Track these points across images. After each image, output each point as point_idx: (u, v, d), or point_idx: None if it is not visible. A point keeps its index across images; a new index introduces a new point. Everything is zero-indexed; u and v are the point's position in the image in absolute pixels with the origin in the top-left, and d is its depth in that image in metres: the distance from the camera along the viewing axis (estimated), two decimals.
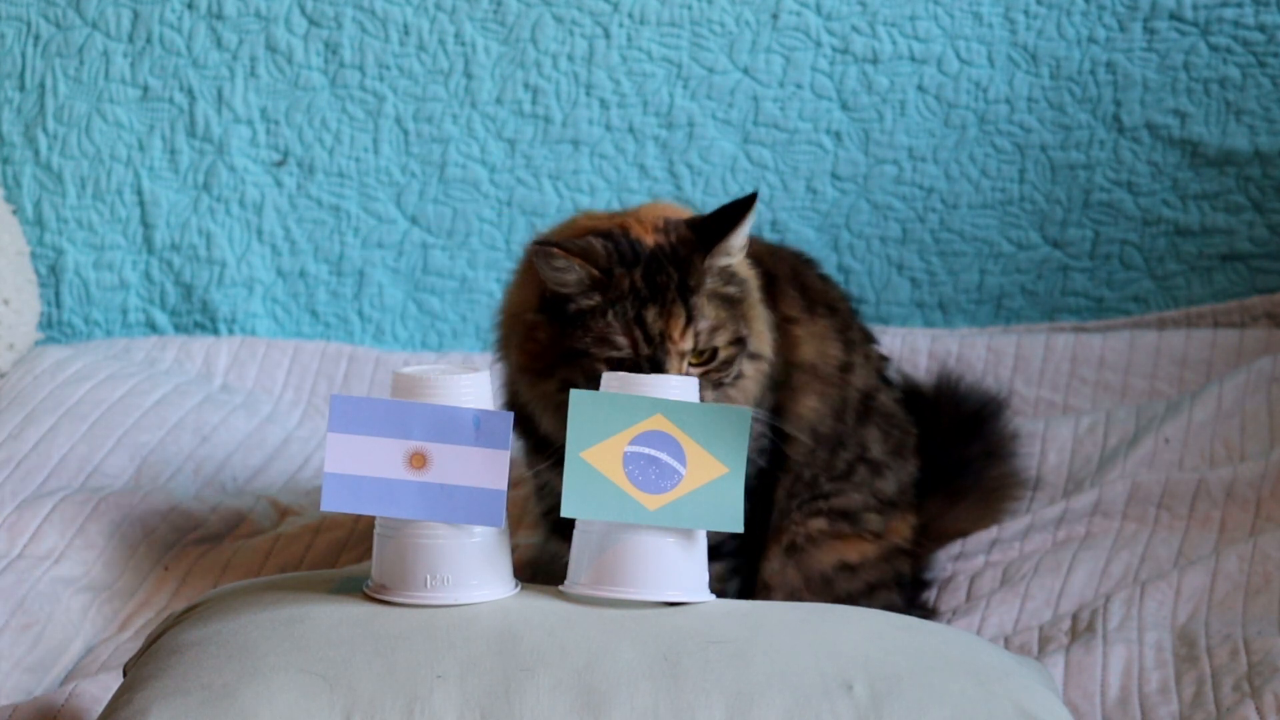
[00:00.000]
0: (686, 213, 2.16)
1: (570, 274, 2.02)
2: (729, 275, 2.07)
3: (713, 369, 2.04)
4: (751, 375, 2.10)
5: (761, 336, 2.10)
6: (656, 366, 2.00)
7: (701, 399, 1.97)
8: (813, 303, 2.26)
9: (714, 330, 2.03)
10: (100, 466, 2.59)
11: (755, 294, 2.11)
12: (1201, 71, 2.96)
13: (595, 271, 2.02)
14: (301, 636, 1.71)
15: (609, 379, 1.81)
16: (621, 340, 2.01)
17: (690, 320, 2.02)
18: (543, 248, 2.01)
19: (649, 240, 2.05)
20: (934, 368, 2.94)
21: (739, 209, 2.04)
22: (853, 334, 2.29)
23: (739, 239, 2.05)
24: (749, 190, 2.99)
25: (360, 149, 3.00)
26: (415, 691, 1.66)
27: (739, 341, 2.06)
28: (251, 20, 2.96)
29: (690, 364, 2.02)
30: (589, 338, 2.02)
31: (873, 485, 2.26)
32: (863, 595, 2.24)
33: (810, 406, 2.21)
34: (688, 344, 2.02)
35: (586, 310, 2.03)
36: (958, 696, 1.69)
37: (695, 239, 2.05)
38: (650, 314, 2.01)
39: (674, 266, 2.03)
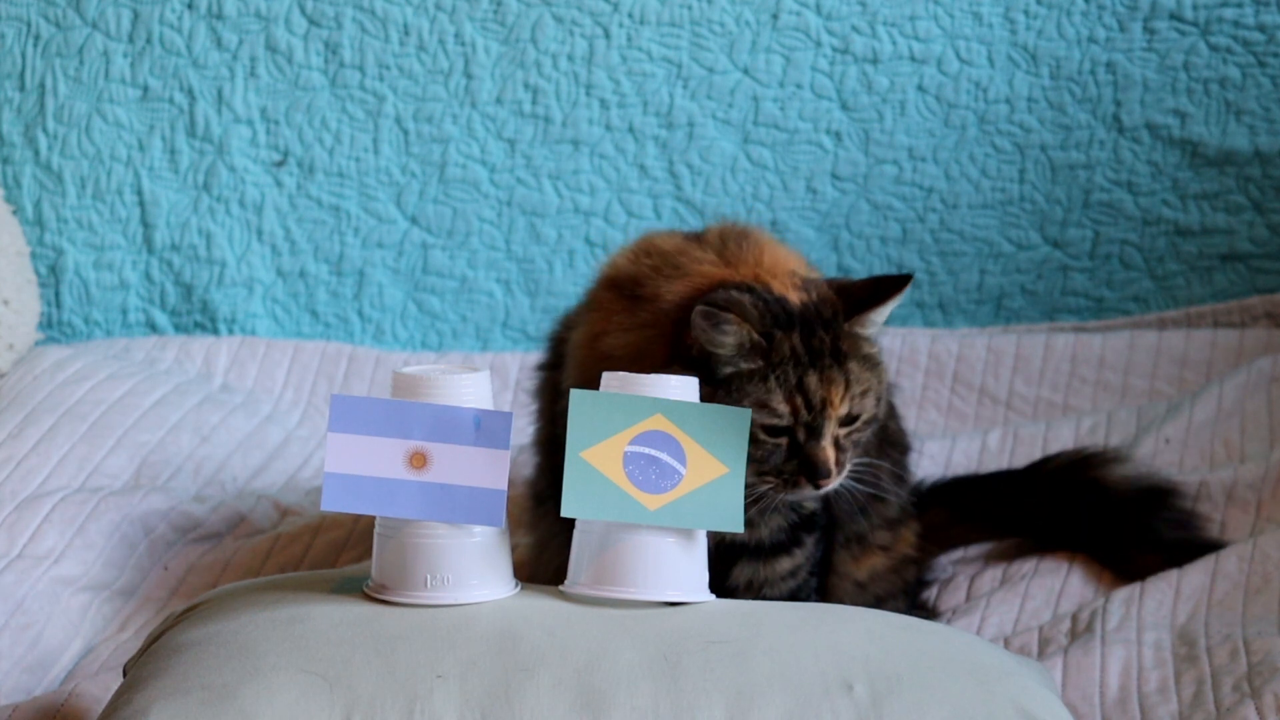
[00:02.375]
0: (774, 244, 2.13)
1: (731, 336, 1.96)
2: (873, 335, 2.04)
3: (854, 430, 2.02)
4: (868, 436, 2.08)
5: (883, 401, 2.09)
6: (814, 434, 1.97)
7: (844, 462, 2.00)
8: None
9: (864, 394, 2.00)
10: (100, 466, 2.59)
11: (882, 359, 2.09)
12: (1201, 71, 2.96)
13: (757, 336, 1.96)
14: (301, 636, 1.71)
15: (609, 379, 1.80)
16: (783, 408, 1.97)
17: (848, 387, 1.99)
18: (711, 311, 1.93)
19: (794, 298, 2.00)
20: (934, 368, 2.94)
21: (893, 284, 2.00)
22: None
23: (883, 314, 2.01)
24: (749, 190, 3.00)
25: (360, 149, 3.00)
26: (415, 691, 1.66)
27: (879, 403, 2.04)
28: (251, 20, 2.96)
29: (840, 426, 2.00)
30: (744, 400, 1.97)
31: (881, 512, 2.26)
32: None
33: None
34: (845, 410, 1.99)
35: (745, 374, 1.98)
36: (958, 696, 1.69)
37: (840, 301, 2.01)
38: (812, 381, 1.97)
39: (824, 330, 1.99)
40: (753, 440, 1.93)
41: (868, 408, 2.02)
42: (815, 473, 1.98)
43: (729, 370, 1.98)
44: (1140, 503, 2.44)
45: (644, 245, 2.14)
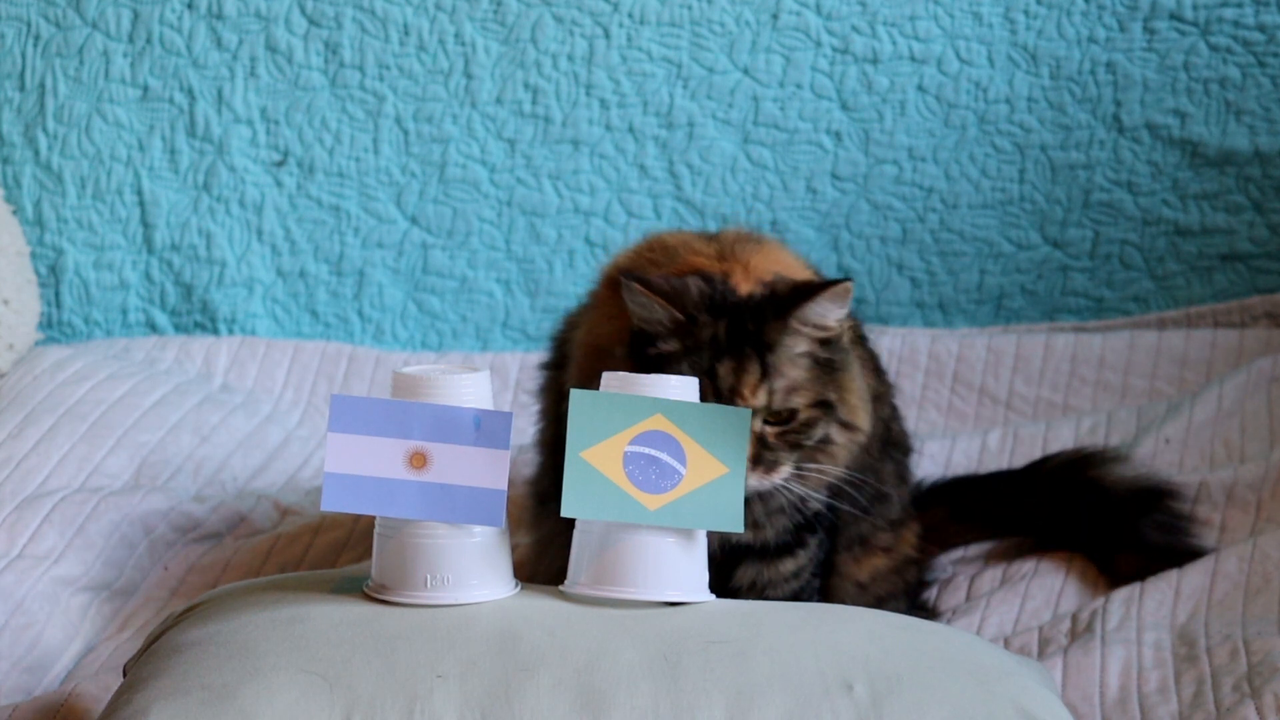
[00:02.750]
0: (778, 248, 2.13)
1: (653, 313, 1.96)
2: (826, 341, 2.00)
3: (790, 430, 1.98)
4: (843, 444, 2.03)
5: (856, 410, 2.03)
6: None
7: (776, 460, 1.97)
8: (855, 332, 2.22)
9: (791, 390, 1.97)
10: (100, 466, 2.59)
11: (856, 365, 2.05)
12: (1201, 71, 2.96)
13: (679, 315, 1.96)
14: (301, 636, 1.71)
15: (609, 379, 1.80)
16: None
17: (765, 378, 1.96)
18: (629, 281, 1.95)
19: (744, 290, 1.99)
20: (934, 368, 2.94)
21: (824, 285, 1.97)
22: (879, 364, 2.26)
23: (816, 309, 1.97)
24: (749, 190, 3.00)
25: (360, 149, 3.00)
26: (415, 691, 1.66)
27: (823, 405, 1.99)
28: (251, 20, 2.96)
29: (766, 423, 1.96)
30: None
31: (883, 514, 2.26)
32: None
33: None
34: (759, 401, 1.95)
35: (665, 355, 1.97)
36: (958, 696, 1.69)
37: (786, 299, 1.98)
38: (723, 369, 1.95)
39: (754, 322, 1.97)
40: None
41: (799, 403, 1.97)
42: None
43: (655, 350, 1.98)
44: (1132, 503, 2.44)
45: (651, 242, 2.14)
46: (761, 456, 1.96)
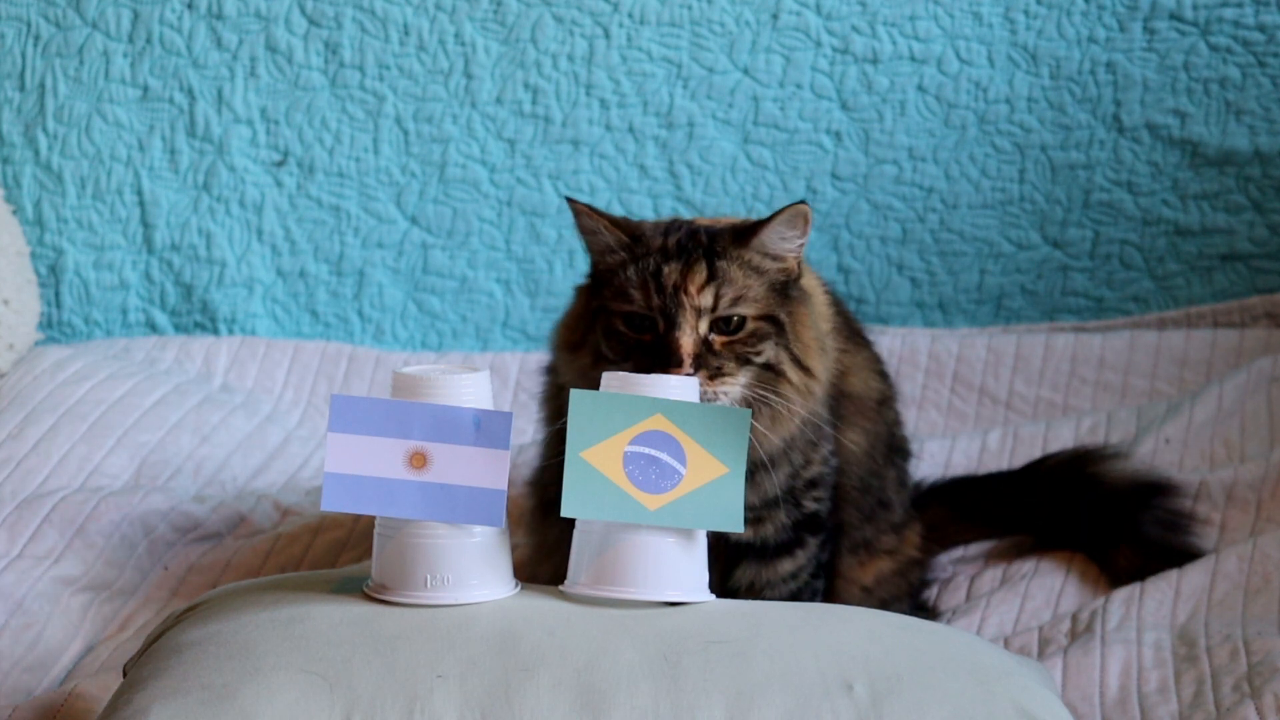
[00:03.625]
0: None
1: (601, 236, 2.00)
2: (777, 269, 2.00)
3: (739, 339, 1.97)
4: (796, 382, 2.01)
5: (809, 349, 2.03)
6: (669, 321, 1.94)
7: (721, 369, 1.94)
8: (854, 332, 2.22)
9: (738, 298, 1.97)
10: (100, 466, 2.59)
11: (815, 307, 2.05)
12: (1201, 71, 2.96)
13: (624, 236, 1.99)
14: (301, 636, 1.71)
15: (609, 379, 1.81)
16: (636, 294, 1.96)
17: (711, 278, 1.96)
18: (570, 202, 2.01)
19: (701, 224, 2.03)
20: (934, 368, 2.94)
21: (778, 213, 1.98)
22: (883, 367, 2.26)
23: (770, 235, 1.98)
24: (749, 190, 3.00)
25: (360, 149, 3.00)
26: (415, 691, 1.66)
27: (772, 320, 1.99)
28: (251, 20, 2.96)
29: (714, 333, 1.96)
30: (609, 292, 1.98)
31: (886, 518, 2.26)
32: None
33: (854, 440, 2.17)
34: (704, 300, 1.95)
35: (613, 267, 1.99)
36: (958, 696, 1.69)
37: (743, 228, 2.01)
38: (668, 268, 1.96)
39: (705, 237, 1.99)
40: (615, 333, 1.96)
41: (747, 311, 1.97)
42: (667, 359, 1.92)
43: (602, 265, 2.01)
44: (1131, 498, 2.44)
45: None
46: (705, 361, 1.95)
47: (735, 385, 1.96)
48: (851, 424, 2.16)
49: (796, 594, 2.13)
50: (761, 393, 1.98)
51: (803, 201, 1.98)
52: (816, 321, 2.05)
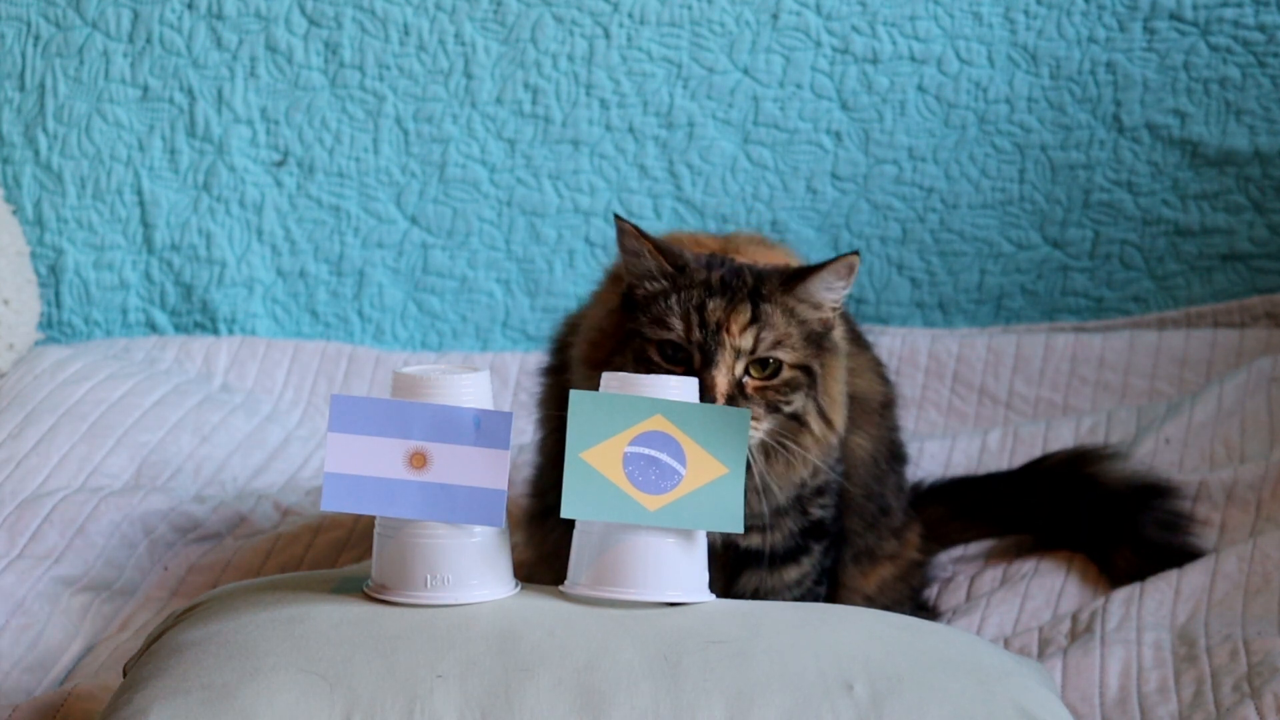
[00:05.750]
0: (786, 253, 2.14)
1: (644, 260, 1.97)
2: (817, 319, 1.99)
3: (772, 387, 1.96)
4: (818, 434, 2.01)
5: (835, 403, 2.02)
6: (707, 358, 1.93)
7: (730, 396, 1.93)
8: (856, 334, 2.21)
9: (779, 342, 1.96)
10: (100, 466, 2.59)
11: (843, 361, 2.04)
12: (1201, 71, 2.96)
13: (667, 264, 1.97)
14: (301, 636, 1.71)
15: (608, 379, 1.80)
16: (677, 323, 1.94)
17: (754, 320, 1.95)
18: (619, 222, 1.97)
19: (744, 260, 2.01)
20: (934, 368, 2.94)
21: (829, 262, 1.97)
22: (885, 371, 2.26)
23: (817, 284, 1.97)
24: (749, 190, 3.00)
25: (360, 149, 3.00)
26: (415, 691, 1.66)
27: (805, 370, 1.98)
28: (251, 20, 2.96)
29: (751, 374, 1.95)
30: (645, 318, 1.96)
31: (887, 524, 2.25)
32: None
33: (859, 444, 2.16)
34: (745, 342, 1.94)
35: (653, 294, 1.97)
36: (958, 696, 1.69)
37: (790, 273, 1.99)
38: (712, 304, 1.95)
39: (751, 277, 1.98)
40: (648, 360, 1.94)
41: (785, 358, 1.96)
42: (699, 396, 1.90)
43: (640, 292, 1.98)
44: (1131, 499, 2.44)
45: (661, 237, 2.14)
46: (736, 403, 1.94)
47: (758, 432, 1.97)
48: (857, 427, 2.15)
49: (800, 600, 2.12)
50: (781, 440, 1.98)
51: (855, 252, 1.98)
52: (842, 379, 2.05)
